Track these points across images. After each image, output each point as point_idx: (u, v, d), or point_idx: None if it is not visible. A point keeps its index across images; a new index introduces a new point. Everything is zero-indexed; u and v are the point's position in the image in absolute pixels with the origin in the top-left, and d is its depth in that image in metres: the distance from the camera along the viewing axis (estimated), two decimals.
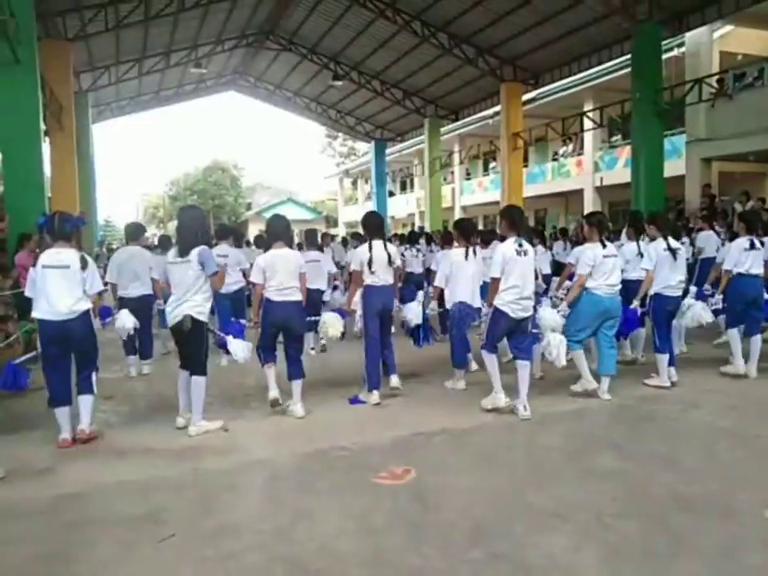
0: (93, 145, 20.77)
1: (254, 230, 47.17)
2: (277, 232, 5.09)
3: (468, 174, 30.27)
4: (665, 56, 14.25)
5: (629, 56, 14.32)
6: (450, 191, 29.40)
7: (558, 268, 9.91)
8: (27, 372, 4.76)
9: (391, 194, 32.80)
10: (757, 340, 5.98)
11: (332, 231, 34.54)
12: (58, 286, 4.32)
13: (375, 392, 5.32)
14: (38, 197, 10.08)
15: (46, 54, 12.51)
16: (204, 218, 4.95)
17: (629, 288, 6.01)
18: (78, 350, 4.46)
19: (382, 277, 5.37)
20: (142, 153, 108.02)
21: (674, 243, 5.69)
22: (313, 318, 6.14)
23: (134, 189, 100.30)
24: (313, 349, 7.58)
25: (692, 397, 5.23)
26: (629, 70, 14.46)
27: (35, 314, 4.37)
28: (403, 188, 37.19)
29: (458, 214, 29.62)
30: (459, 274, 5.72)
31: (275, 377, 5.05)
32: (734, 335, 6.00)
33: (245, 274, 7.62)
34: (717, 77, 14.04)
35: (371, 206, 28.43)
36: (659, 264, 5.64)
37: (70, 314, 4.33)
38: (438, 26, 16.99)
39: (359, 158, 41.58)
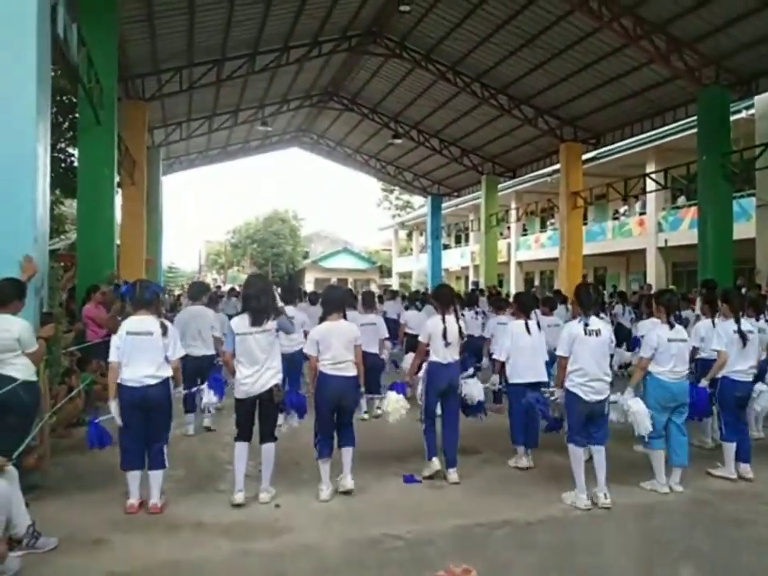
0: (162, 195, 21.73)
1: (309, 278, 48.11)
2: (332, 303, 5.02)
3: (525, 230, 30.05)
4: (732, 117, 13.89)
5: (694, 117, 14.05)
6: (506, 246, 29.19)
7: (618, 331, 9.51)
8: (109, 431, 4.83)
9: (446, 246, 32.87)
10: None
11: (390, 284, 34.64)
12: (140, 354, 4.42)
13: (435, 459, 5.16)
14: (107, 245, 10.56)
15: (123, 114, 13.32)
16: (273, 288, 4.96)
17: (705, 367, 5.67)
18: (155, 417, 4.49)
19: (451, 353, 5.21)
20: (206, 201, 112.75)
21: (745, 326, 5.32)
22: (369, 396, 5.97)
23: (198, 235, 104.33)
24: (366, 413, 7.38)
25: None
26: (694, 130, 14.16)
27: (119, 380, 4.46)
28: (458, 241, 37.21)
29: (513, 269, 29.34)
30: (519, 348, 5.50)
31: (329, 471, 4.78)
32: None
33: (306, 335, 7.64)
34: None
35: (425, 258, 28.54)
36: (728, 346, 5.29)
37: (151, 380, 4.41)
38: (498, 87, 17.22)
39: (415, 211, 42.07)
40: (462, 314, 9.49)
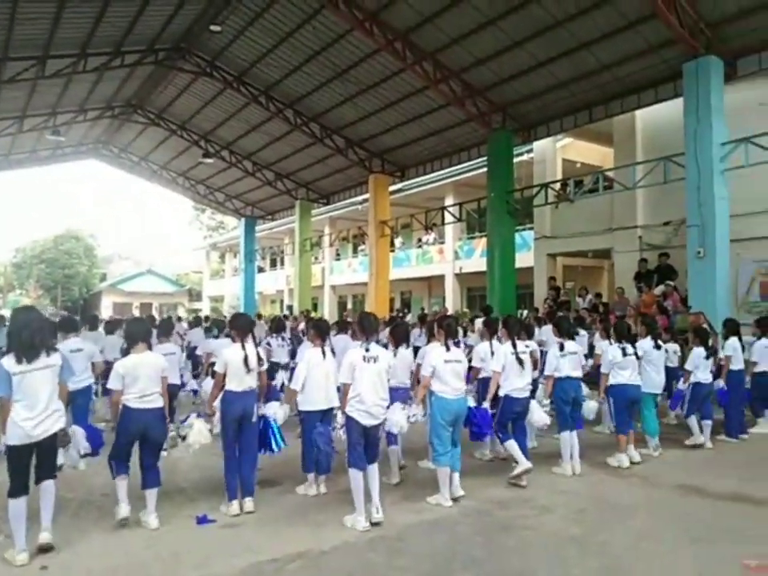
0: None
1: (107, 303, 44.28)
2: (137, 335, 4.85)
3: (338, 255, 30.82)
4: (516, 159, 15.71)
5: (485, 157, 15.63)
6: (320, 270, 29.67)
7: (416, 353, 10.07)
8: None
9: (260, 269, 32.48)
10: (574, 436, 6.29)
11: (200, 309, 33.09)
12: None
13: (234, 502, 4.98)
14: None
15: None
16: (47, 320, 4.56)
17: (487, 385, 6.21)
18: None
19: (248, 382, 5.10)
20: None
21: (521, 348, 5.96)
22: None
23: None
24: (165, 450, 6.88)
25: (546, 499, 5.37)
26: (485, 169, 15.75)
27: None
28: (273, 264, 36.98)
29: (327, 293, 29.87)
30: (313, 375, 5.46)
31: (126, 489, 4.63)
32: (563, 438, 6.28)
33: (94, 367, 6.99)
34: (560, 183, 15.66)
35: (239, 280, 27.87)
36: (507, 366, 5.89)
37: None
38: (310, 116, 17.60)
39: (228, 232, 41.05)
40: (269, 342, 9.50)
